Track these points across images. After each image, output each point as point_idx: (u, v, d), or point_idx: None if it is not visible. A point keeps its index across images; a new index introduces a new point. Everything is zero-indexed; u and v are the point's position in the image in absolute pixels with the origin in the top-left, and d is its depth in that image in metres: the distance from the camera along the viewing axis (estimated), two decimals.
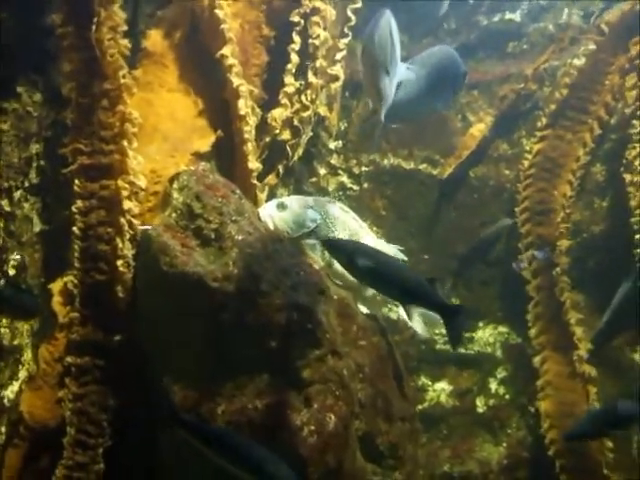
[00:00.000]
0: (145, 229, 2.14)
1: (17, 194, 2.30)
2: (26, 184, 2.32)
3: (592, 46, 2.88)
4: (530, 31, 3.06)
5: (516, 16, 3.07)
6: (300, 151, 2.59)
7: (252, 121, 2.35)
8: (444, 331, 3.03)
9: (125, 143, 2.12)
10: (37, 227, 2.36)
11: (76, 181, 2.17)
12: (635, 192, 2.74)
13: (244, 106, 2.31)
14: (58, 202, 2.33)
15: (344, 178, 3.04)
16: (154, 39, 2.40)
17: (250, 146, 2.34)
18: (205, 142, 2.34)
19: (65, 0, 2.10)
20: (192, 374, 2.05)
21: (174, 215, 2.14)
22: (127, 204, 2.14)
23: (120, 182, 2.14)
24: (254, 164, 2.36)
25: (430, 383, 2.94)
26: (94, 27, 2.06)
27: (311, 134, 2.65)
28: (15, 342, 2.31)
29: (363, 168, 3.05)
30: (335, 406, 1.99)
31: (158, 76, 2.35)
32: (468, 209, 3.02)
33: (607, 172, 2.95)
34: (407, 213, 3.03)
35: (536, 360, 2.76)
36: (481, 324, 2.98)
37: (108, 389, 2.20)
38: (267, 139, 2.50)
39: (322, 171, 2.97)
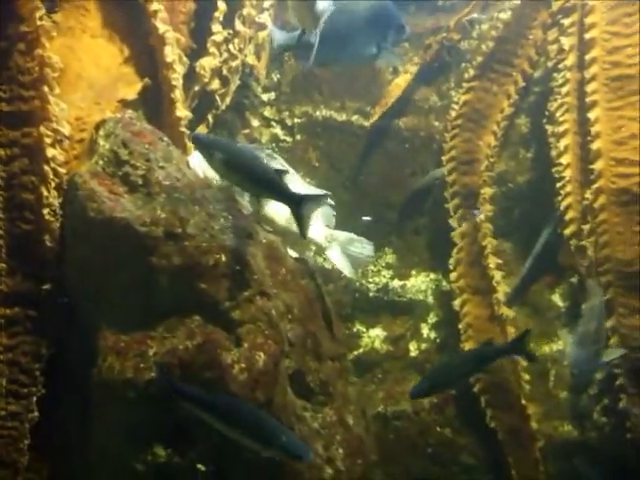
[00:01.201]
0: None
1: None
2: None
3: (517, 1, 2.96)
4: None
5: None
6: (228, 100, 2.59)
7: (180, 69, 2.34)
8: (377, 279, 3.15)
9: (46, 89, 2.08)
10: None
11: None
12: (556, 143, 2.85)
13: (171, 53, 2.30)
14: None
15: (277, 130, 3.06)
16: None
17: (178, 94, 2.33)
18: (131, 90, 2.31)
19: None
20: (123, 319, 2.07)
21: (101, 162, 2.14)
22: (51, 152, 2.11)
23: (42, 129, 2.10)
24: (182, 112, 2.36)
25: (365, 330, 3.02)
26: None
27: (239, 82, 2.65)
28: None
29: (296, 120, 3.07)
30: (265, 345, 2.05)
31: (80, 21, 2.30)
32: (399, 159, 3.08)
33: (531, 124, 3.04)
34: (340, 164, 3.08)
35: (456, 303, 2.83)
36: (413, 272, 3.08)
37: (40, 339, 2.19)
38: (196, 88, 2.50)
39: (255, 123, 2.98)
